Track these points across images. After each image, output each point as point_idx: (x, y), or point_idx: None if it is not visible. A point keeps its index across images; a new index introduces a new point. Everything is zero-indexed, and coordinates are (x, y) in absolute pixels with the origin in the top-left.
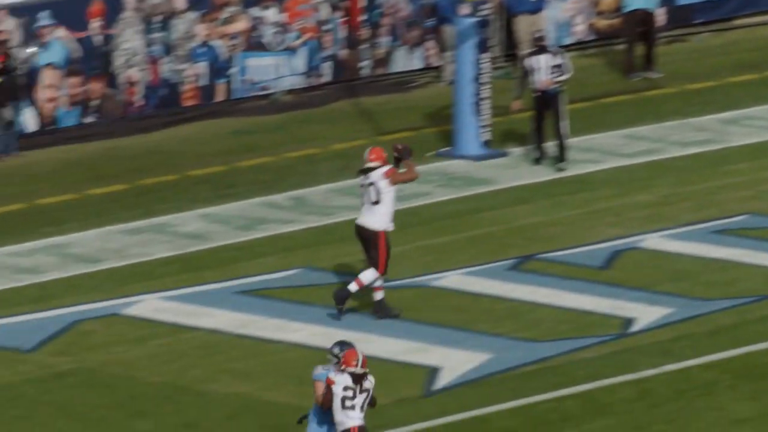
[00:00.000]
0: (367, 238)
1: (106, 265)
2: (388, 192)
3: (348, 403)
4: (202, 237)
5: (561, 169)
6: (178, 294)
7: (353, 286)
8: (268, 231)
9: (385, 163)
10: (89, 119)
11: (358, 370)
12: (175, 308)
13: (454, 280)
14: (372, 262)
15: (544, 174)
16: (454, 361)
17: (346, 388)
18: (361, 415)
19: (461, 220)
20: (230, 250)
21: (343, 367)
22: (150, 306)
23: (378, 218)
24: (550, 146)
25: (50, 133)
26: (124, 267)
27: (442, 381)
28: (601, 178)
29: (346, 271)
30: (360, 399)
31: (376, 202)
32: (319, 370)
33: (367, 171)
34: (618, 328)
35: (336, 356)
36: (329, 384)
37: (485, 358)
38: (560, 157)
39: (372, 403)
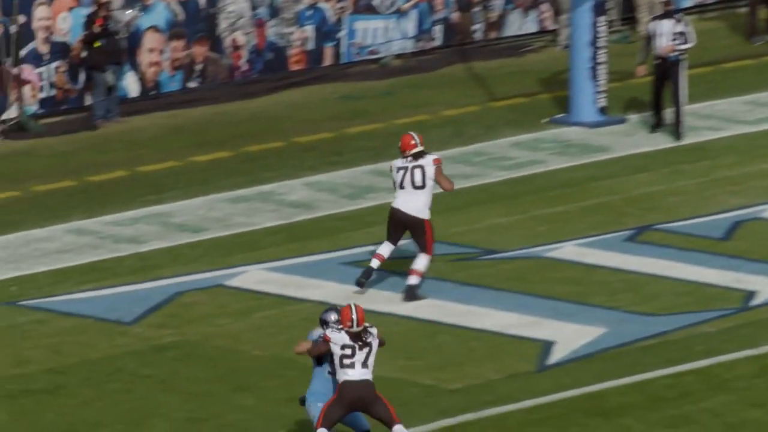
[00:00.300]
0: (412, 225)
1: (209, 235)
2: (430, 179)
3: (346, 361)
4: (309, 206)
5: (678, 139)
6: (284, 265)
7: (414, 280)
8: (376, 200)
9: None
10: (193, 84)
11: (354, 328)
12: (280, 279)
13: (568, 251)
14: (421, 247)
15: (662, 142)
16: (568, 335)
17: (344, 347)
18: (364, 371)
19: (576, 188)
20: (337, 219)
21: (340, 326)
22: (254, 277)
23: (422, 206)
24: (669, 114)
25: (153, 98)
26: (227, 237)
27: (556, 356)
28: (721, 146)
29: (455, 241)
30: (360, 355)
31: (421, 187)
32: (316, 334)
33: (418, 155)
34: (739, 302)
35: (331, 324)
36: (326, 340)
37: (600, 332)
38: (676, 127)
39: (381, 343)
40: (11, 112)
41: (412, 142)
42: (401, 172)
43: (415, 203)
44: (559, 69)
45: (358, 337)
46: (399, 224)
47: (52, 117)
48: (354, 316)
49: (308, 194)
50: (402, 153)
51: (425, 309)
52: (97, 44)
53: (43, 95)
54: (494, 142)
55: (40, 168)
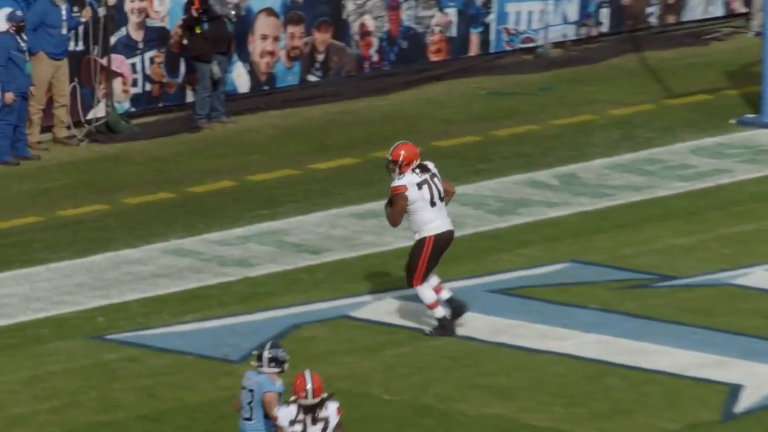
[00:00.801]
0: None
1: (331, 257)
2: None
3: None
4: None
5: None
6: None
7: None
8: (531, 215)
9: None
10: (313, 78)
11: (309, 400)
12: (415, 310)
13: (759, 277)
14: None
15: None
16: (759, 378)
17: (293, 422)
18: None
19: None
20: (484, 238)
21: (293, 397)
22: (385, 307)
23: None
24: None
25: (265, 94)
26: (353, 259)
27: (745, 402)
28: None
29: (625, 265)
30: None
31: (442, 198)
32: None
33: (422, 165)
34: None
35: (275, 361)
36: (273, 420)
37: None
38: None
39: (339, 425)
40: (99, 111)
41: (417, 151)
42: (425, 187)
43: (448, 217)
44: (750, 60)
45: (312, 411)
46: (445, 247)
47: (146, 116)
48: (309, 386)
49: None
50: (407, 166)
51: (589, 346)
52: (199, 30)
53: (136, 90)
54: (671, 148)
55: (132, 177)
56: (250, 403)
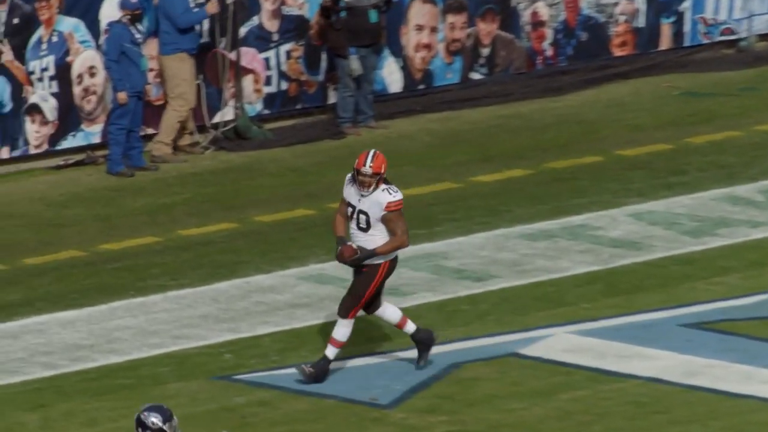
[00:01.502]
0: None
1: (497, 285)
2: None
3: None
4: (636, 245)
5: None
6: (601, 327)
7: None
8: (731, 237)
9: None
10: (477, 75)
11: None
12: (595, 347)
13: None
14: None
15: None
16: None
17: None
18: None
19: None
20: (676, 263)
21: None
22: (560, 343)
23: None
24: None
25: (421, 94)
26: (522, 287)
27: None
28: None
29: None
30: None
31: None
32: None
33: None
34: None
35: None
36: None
37: None
38: None
39: None
40: (226, 114)
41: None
42: None
43: None
44: None
45: None
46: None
47: (282, 120)
48: None
49: (635, 229)
50: (384, 180)
51: None
52: (333, 20)
53: (269, 90)
54: None
55: (265, 191)
56: None
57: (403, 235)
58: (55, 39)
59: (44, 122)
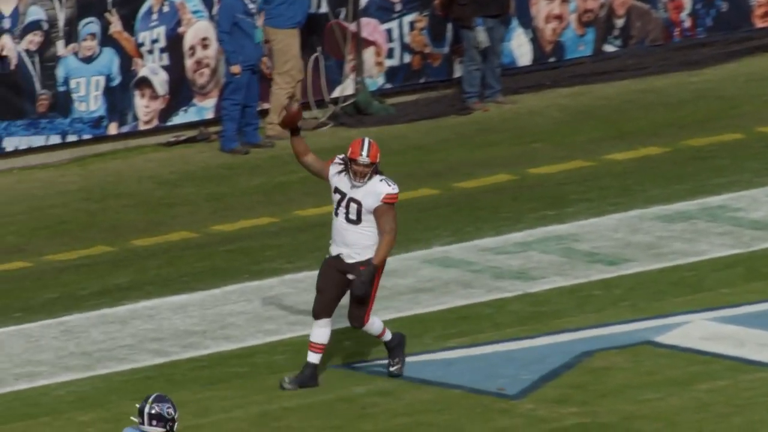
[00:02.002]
0: None
1: (631, 269)
2: None
3: None
4: None
5: None
6: (741, 313)
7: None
8: None
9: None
10: (610, 48)
11: None
12: (736, 335)
13: None
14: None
15: None
16: None
17: None
18: None
19: None
20: None
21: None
22: (698, 331)
23: None
24: None
25: (551, 68)
26: (658, 272)
27: None
28: None
29: None
30: None
31: None
32: None
33: None
34: None
35: (158, 418)
36: None
37: None
38: None
39: None
40: (346, 88)
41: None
42: None
43: None
44: None
45: None
46: None
47: (404, 95)
48: None
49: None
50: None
51: None
52: None
53: (392, 63)
54: None
55: (387, 169)
56: None
57: (392, 232)
58: (166, 9)
59: (154, 96)
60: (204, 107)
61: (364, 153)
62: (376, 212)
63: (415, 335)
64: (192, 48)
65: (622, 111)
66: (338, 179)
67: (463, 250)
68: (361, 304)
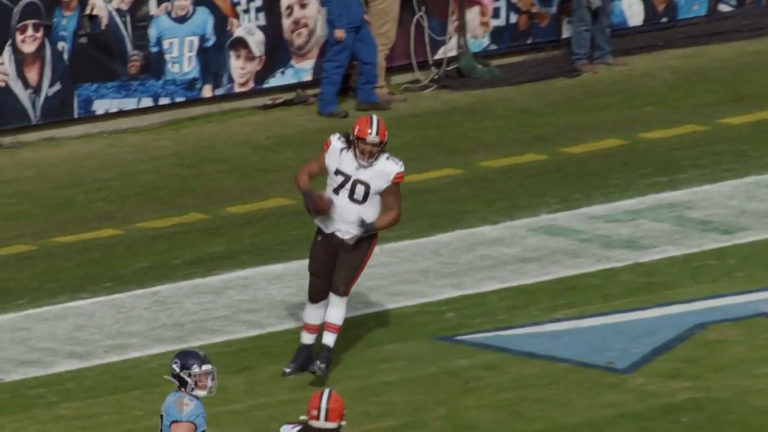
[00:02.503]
0: None
1: (748, 238)
2: None
3: None
4: None
5: None
6: None
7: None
8: None
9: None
10: (725, 7)
11: (320, 423)
12: None
13: None
14: None
15: None
16: None
17: None
18: None
19: None
20: None
21: (303, 417)
22: None
23: None
24: None
25: (664, 28)
26: None
27: None
28: None
29: None
30: None
31: None
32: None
33: None
34: None
35: (180, 375)
36: None
37: None
38: None
39: None
40: (449, 49)
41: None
42: None
43: None
44: None
45: None
46: None
47: (510, 56)
48: (323, 405)
49: None
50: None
51: None
52: None
53: (497, 23)
54: None
55: (492, 134)
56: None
57: (400, 210)
58: None
59: (250, 58)
60: (302, 69)
61: (373, 131)
62: (384, 192)
63: (521, 307)
64: (290, 7)
65: (738, 73)
66: (338, 160)
67: (570, 218)
68: (349, 269)
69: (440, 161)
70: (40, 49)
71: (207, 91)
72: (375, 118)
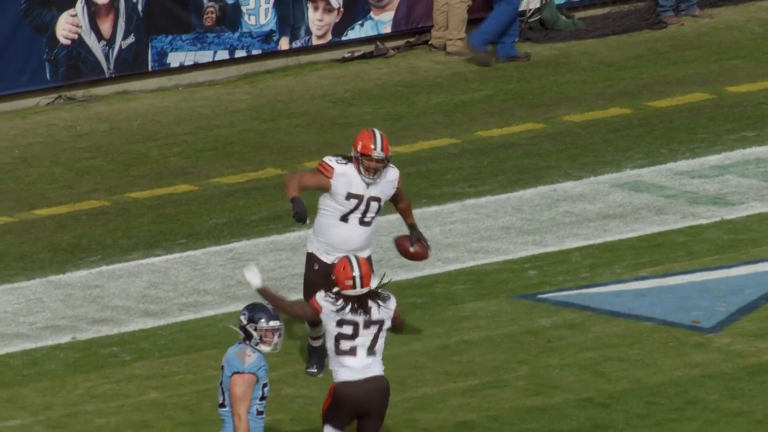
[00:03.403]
0: None
1: None
2: None
3: (345, 345)
4: None
5: None
6: None
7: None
8: None
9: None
10: None
11: (357, 290)
12: None
13: None
14: None
15: None
16: None
17: (341, 323)
18: (369, 360)
19: None
20: None
21: (335, 288)
22: None
23: None
24: None
25: None
26: None
27: None
28: None
29: None
30: (365, 337)
31: None
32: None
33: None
34: None
35: (245, 327)
36: (315, 308)
37: None
38: None
39: (397, 327)
40: (532, 2)
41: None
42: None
43: None
44: None
45: (363, 306)
46: None
47: (594, 8)
48: (356, 273)
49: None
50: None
51: None
52: None
53: None
54: None
55: (575, 88)
56: (221, 383)
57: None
58: None
59: (328, 10)
60: (381, 21)
61: (378, 147)
62: (393, 196)
63: (605, 264)
64: None
65: None
66: (347, 183)
67: (655, 174)
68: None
69: (522, 115)
70: (114, 0)
71: (284, 44)
72: (377, 132)
